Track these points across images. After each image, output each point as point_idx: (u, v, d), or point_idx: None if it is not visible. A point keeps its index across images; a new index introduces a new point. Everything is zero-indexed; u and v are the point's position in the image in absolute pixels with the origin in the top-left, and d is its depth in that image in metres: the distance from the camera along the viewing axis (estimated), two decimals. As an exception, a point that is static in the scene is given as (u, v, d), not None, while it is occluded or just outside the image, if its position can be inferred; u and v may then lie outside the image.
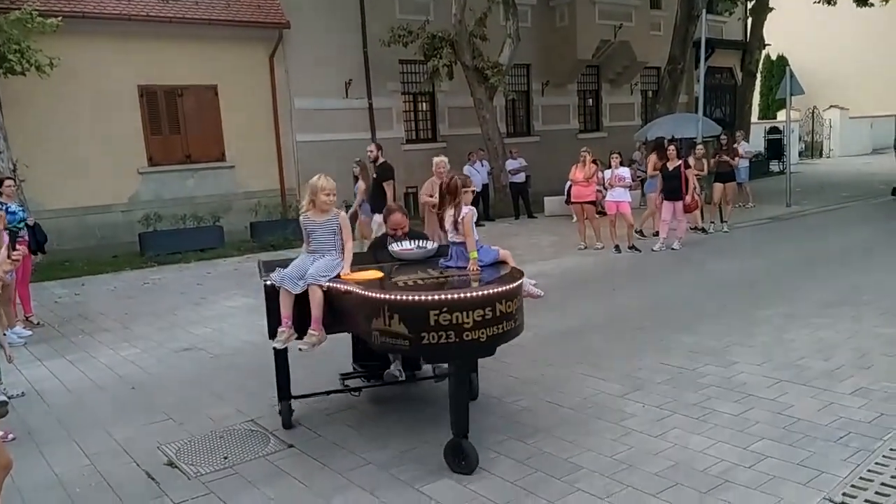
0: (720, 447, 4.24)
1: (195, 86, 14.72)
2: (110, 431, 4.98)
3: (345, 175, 10.55)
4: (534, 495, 3.78)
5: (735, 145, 15.06)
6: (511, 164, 16.48)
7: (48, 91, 12.38)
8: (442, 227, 4.55)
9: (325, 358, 5.12)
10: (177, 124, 14.66)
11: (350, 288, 4.24)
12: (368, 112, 16.84)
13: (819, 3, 21.64)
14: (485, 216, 15.20)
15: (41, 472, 4.37)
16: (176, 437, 4.82)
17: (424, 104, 18.41)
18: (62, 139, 13.01)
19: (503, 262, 4.49)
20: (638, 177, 14.28)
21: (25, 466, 4.31)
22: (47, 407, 5.59)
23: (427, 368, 5.42)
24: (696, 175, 11.85)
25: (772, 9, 21.27)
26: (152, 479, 4.24)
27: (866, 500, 3.55)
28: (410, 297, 3.90)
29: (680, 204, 11.35)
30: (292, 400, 4.89)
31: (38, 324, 8.26)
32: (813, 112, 32.62)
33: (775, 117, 31.28)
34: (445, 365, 5.11)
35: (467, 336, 3.84)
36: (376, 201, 10.65)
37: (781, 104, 24.86)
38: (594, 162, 11.74)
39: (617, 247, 11.43)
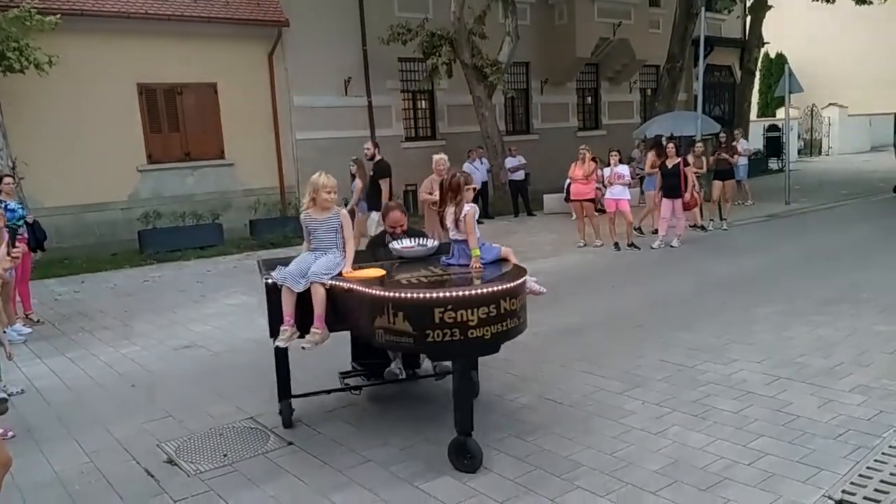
0: (720, 444, 4.24)
1: (194, 83, 14.70)
2: (110, 429, 4.98)
3: (344, 173, 10.55)
4: (533, 493, 3.79)
5: (734, 143, 15.07)
6: (510, 162, 16.48)
7: (47, 89, 12.36)
8: (443, 225, 4.54)
9: (324, 356, 5.11)
10: (176, 122, 14.64)
11: (353, 286, 4.22)
12: (368, 110, 16.83)
13: (818, 1, 21.62)
14: (484, 214, 15.19)
15: (41, 470, 4.37)
16: (176, 435, 4.82)
17: (423, 102, 18.39)
18: (61, 137, 12.99)
19: (505, 260, 4.48)
20: (637, 175, 14.27)
21: (25, 464, 4.31)
22: (47, 404, 5.59)
23: (427, 366, 5.42)
24: (695, 173, 11.85)
25: (770, 7, 21.24)
26: (152, 476, 4.24)
27: (866, 498, 3.55)
28: (415, 295, 3.88)
29: (679, 202, 11.36)
30: (292, 399, 4.88)
31: (37, 321, 8.26)
32: (812, 110, 32.63)
33: (774, 115, 31.29)
34: (446, 363, 5.13)
35: (472, 334, 3.83)
36: (373, 199, 10.67)
37: (780, 102, 24.94)
38: (593, 160, 11.74)
39: (616, 244, 11.44)
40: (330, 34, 15.91)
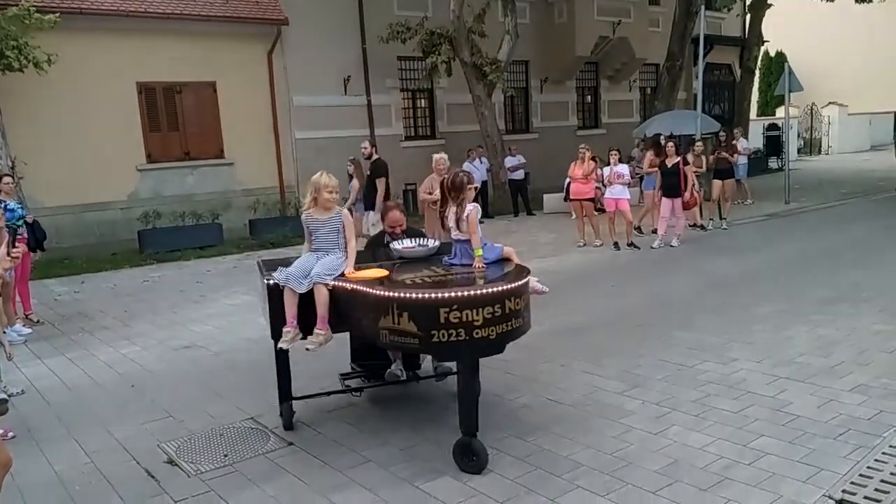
0: (720, 444, 4.25)
1: (194, 82, 14.69)
2: (110, 429, 4.98)
3: (343, 172, 10.56)
4: (534, 493, 3.79)
5: (734, 142, 15.06)
6: (510, 161, 16.48)
7: (46, 88, 12.35)
8: (443, 224, 4.53)
9: (323, 357, 5.11)
10: (175, 121, 14.63)
11: (356, 286, 4.20)
12: (367, 109, 16.83)
13: (818, -1, 21.65)
14: (484, 213, 15.16)
15: (41, 471, 4.37)
16: (176, 435, 4.82)
17: (423, 101, 18.39)
18: (60, 136, 12.98)
19: (507, 260, 4.48)
20: (637, 174, 14.28)
21: (25, 464, 4.32)
22: (47, 405, 5.59)
23: (427, 367, 5.42)
24: (694, 172, 11.85)
25: (770, 5, 21.22)
26: (152, 476, 4.24)
27: (866, 497, 3.55)
28: (420, 295, 3.87)
29: (679, 201, 11.36)
30: (293, 401, 4.86)
31: (37, 322, 8.26)
32: (812, 109, 32.62)
33: (774, 114, 31.29)
34: (447, 364, 5.13)
35: (477, 333, 3.82)
36: (370, 199, 10.66)
37: (780, 101, 24.95)
38: (593, 159, 11.73)
39: (616, 244, 11.44)
40: (329, 33, 15.91)
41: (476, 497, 3.78)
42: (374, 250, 5.28)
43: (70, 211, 13.22)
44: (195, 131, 14.85)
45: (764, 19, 21.42)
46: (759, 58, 26.14)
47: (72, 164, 13.10)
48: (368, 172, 10.78)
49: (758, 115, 32.34)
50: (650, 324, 7.01)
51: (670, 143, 11.79)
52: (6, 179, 8.25)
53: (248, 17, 14.92)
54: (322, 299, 4.33)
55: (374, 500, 3.83)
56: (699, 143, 13.65)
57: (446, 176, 4.62)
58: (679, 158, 11.46)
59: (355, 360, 5.49)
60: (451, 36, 15.74)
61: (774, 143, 25.93)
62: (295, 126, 15.80)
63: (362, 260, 4.86)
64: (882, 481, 3.70)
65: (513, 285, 3.98)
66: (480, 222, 4.43)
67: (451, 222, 4.41)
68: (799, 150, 30.92)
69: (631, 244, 11.47)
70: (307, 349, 4.39)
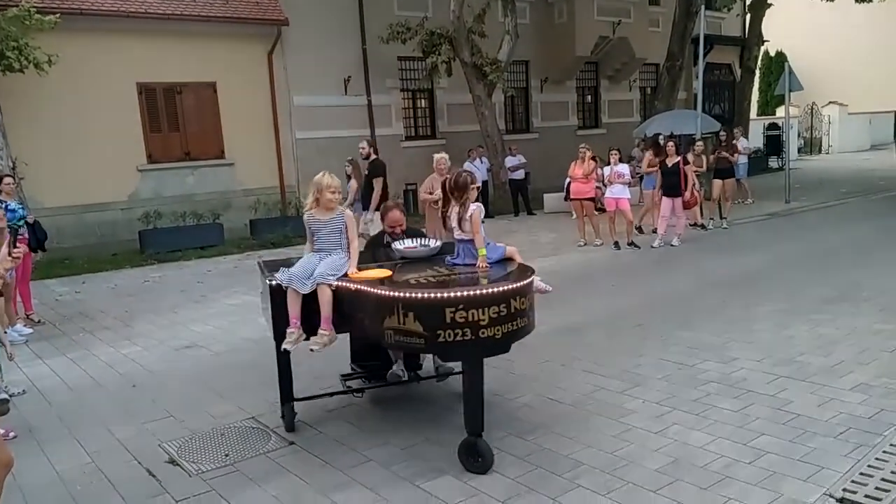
0: (720, 443, 4.25)
1: (194, 83, 14.70)
2: (111, 429, 4.98)
3: (342, 173, 10.55)
4: (534, 492, 3.79)
5: (734, 142, 15.06)
6: (510, 161, 16.48)
7: (47, 88, 12.35)
8: (445, 224, 4.53)
9: (323, 358, 5.10)
10: (176, 122, 14.64)
11: (360, 286, 4.18)
12: (367, 109, 16.83)
13: (818, -2, 21.66)
14: (484, 213, 15.19)
15: (42, 470, 4.38)
16: (177, 435, 4.82)
17: (423, 101, 18.39)
18: (61, 137, 12.98)
19: (510, 259, 4.47)
20: (637, 173, 14.28)
21: (26, 464, 4.32)
22: (48, 405, 5.60)
23: (429, 368, 5.42)
24: (695, 171, 11.86)
25: (770, 5, 21.23)
26: (153, 476, 4.24)
27: (867, 496, 3.56)
28: (426, 295, 3.86)
29: (679, 200, 11.37)
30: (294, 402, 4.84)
31: (38, 322, 8.26)
32: (812, 108, 32.63)
33: (774, 113, 31.29)
34: (448, 364, 5.12)
35: (483, 333, 3.81)
36: (367, 198, 10.67)
37: (780, 100, 24.96)
38: (593, 159, 11.74)
39: (616, 243, 11.44)
40: (329, 33, 15.91)
41: (477, 496, 3.78)
42: (374, 250, 5.27)
43: (71, 211, 13.23)
44: (196, 131, 14.85)
45: (764, 19, 21.43)
46: (759, 57, 26.14)
47: (72, 165, 13.11)
48: (366, 172, 10.79)
49: (758, 115, 32.34)
50: (650, 323, 7.01)
51: (670, 143, 11.79)
52: (7, 180, 8.25)
53: (248, 18, 14.92)
54: (326, 300, 4.31)
55: (376, 499, 3.83)
56: (699, 143, 13.65)
57: (448, 176, 4.61)
58: (679, 158, 11.46)
59: (355, 360, 5.49)
60: (451, 36, 15.74)
61: (775, 143, 25.93)
62: (295, 126, 15.80)
63: (362, 260, 4.85)
64: (883, 479, 3.70)
65: (518, 284, 3.97)
66: (482, 222, 4.43)
67: (453, 222, 4.40)
68: (799, 150, 30.92)
69: (631, 244, 11.47)
70: (311, 350, 4.37)
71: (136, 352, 7.00)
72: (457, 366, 5.03)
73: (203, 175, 14.95)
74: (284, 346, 4.40)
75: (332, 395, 5.08)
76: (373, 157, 10.77)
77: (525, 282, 4.05)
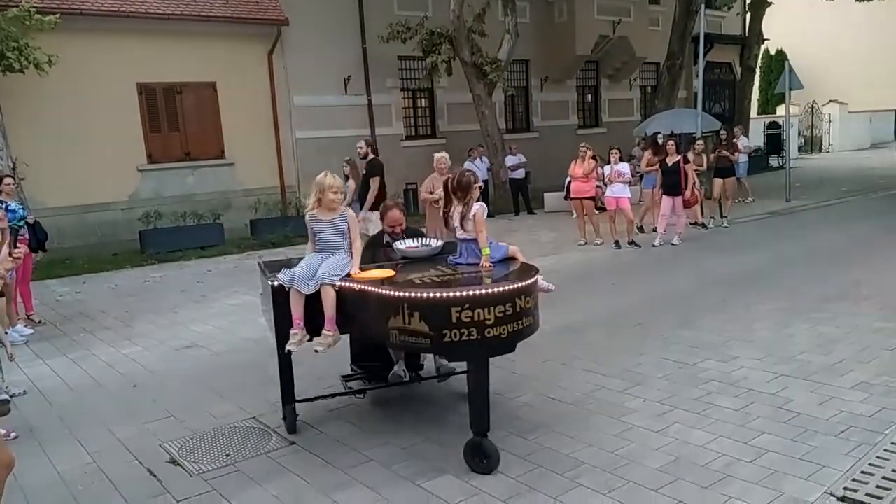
0: (721, 442, 4.25)
1: (194, 83, 14.70)
2: (112, 429, 4.99)
3: (339, 173, 10.53)
4: (535, 491, 3.79)
5: (734, 140, 15.06)
6: (510, 160, 16.48)
7: (47, 89, 12.36)
8: (447, 224, 4.51)
9: (323, 359, 5.09)
10: (176, 122, 14.64)
11: (365, 287, 4.16)
12: (367, 108, 16.83)
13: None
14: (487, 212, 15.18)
15: (43, 471, 4.38)
16: (178, 435, 4.83)
17: (423, 100, 18.39)
18: (61, 137, 12.98)
19: (512, 259, 4.47)
20: (637, 172, 14.28)
21: (28, 465, 4.33)
22: (49, 405, 5.60)
23: (430, 368, 5.41)
24: (695, 170, 11.85)
25: (770, 3, 21.23)
26: (154, 476, 4.24)
27: (868, 494, 3.56)
28: (432, 295, 3.84)
29: (679, 199, 11.37)
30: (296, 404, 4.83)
31: (39, 322, 8.26)
32: (812, 107, 32.61)
33: (774, 112, 31.27)
34: (450, 364, 5.11)
35: (489, 333, 3.79)
36: (364, 198, 10.68)
37: (780, 99, 24.96)
38: (593, 158, 11.73)
39: (617, 242, 11.44)
40: (329, 33, 15.91)
41: (478, 496, 3.78)
42: (374, 250, 5.25)
43: (71, 211, 13.23)
44: (196, 131, 14.85)
45: (764, 18, 21.42)
46: (760, 56, 26.13)
47: (73, 165, 13.11)
48: (364, 172, 10.80)
49: (758, 114, 32.32)
50: (651, 322, 7.01)
51: (671, 142, 11.79)
52: (7, 180, 8.25)
53: (249, 18, 14.92)
54: (329, 300, 4.30)
55: (376, 498, 3.83)
56: (700, 142, 13.65)
57: (451, 175, 4.59)
58: (679, 157, 11.46)
59: (355, 361, 5.48)
60: (451, 35, 15.73)
61: (775, 142, 25.91)
62: (295, 126, 15.80)
63: (361, 260, 4.84)
64: (884, 478, 3.70)
65: (523, 283, 3.96)
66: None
67: (456, 221, 4.39)
68: (800, 148, 30.91)
69: (632, 242, 11.47)
70: (316, 351, 4.36)
71: (136, 352, 7.00)
72: (458, 366, 5.02)
73: (203, 175, 14.95)
74: (288, 347, 4.38)
75: (333, 396, 5.08)
76: (371, 156, 10.77)
77: (530, 281, 4.04)
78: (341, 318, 4.36)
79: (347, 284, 4.30)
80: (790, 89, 15.76)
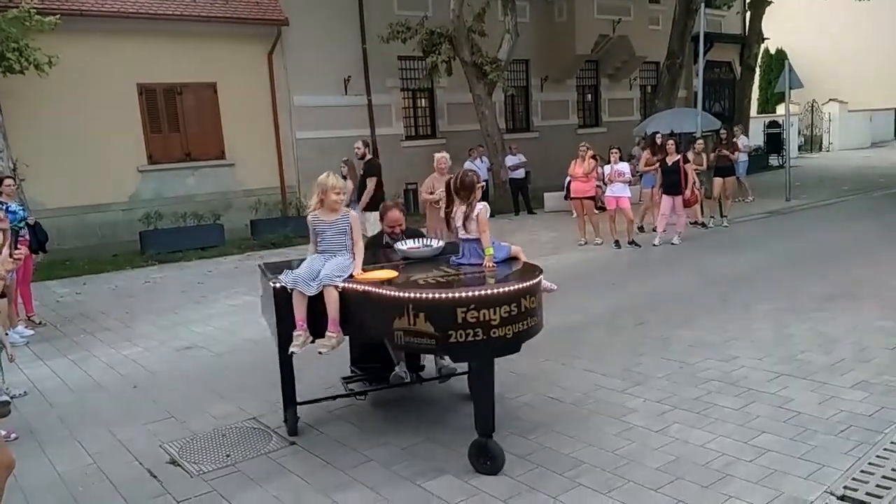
0: (721, 441, 4.25)
1: (194, 83, 14.70)
2: (112, 430, 4.99)
3: (338, 174, 10.53)
4: (535, 490, 3.79)
5: (734, 139, 15.05)
6: (510, 160, 16.47)
7: (47, 90, 12.36)
8: (449, 224, 4.50)
9: (323, 360, 5.09)
10: (176, 122, 14.64)
11: (368, 288, 4.14)
12: (367, 109, 16.83)
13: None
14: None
15: (43, 472, 4.39)
16: (178, 436, 4.83)
17: (423, 100, 18.39)
18: (61, 138, 12.98)
19: (515, 258, 4.46)
20: (637, 172, 14.28)
21: (28, 466, 4.33)
22: (49, 406, 5.61)
23: (431, 369, 5.40)
24: (695, 170, 11.85)
25: (770, 2, 21.22)
26: (154, 477, 4.25)
27: (868, 493, 3.56)
28: (437, 295, 3.82)
29: (679, 199, 11.37)
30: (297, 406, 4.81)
31: (39, 323, 8.26)
32: (812, 106, 32.59)
33: (774, 111, 31.26)
34: (451, 365, 5.10)
35: (494, 333, 3.79)
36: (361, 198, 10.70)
37: (780, 98, 24.95)
38: (593, 157, 11.73)
39: (616, 242, 11.44)
40: (329, 33, 15.91)
41: (478, 495, 3.78)
42: (374, 251, 5.24)
43: (71, 212, 13.23)
44: (196, 132, 14.85)
45: (764, 16, 21.41)
46: (760, 55, 26.12)
47: (73, 166, 13.11)
48: (361, 172, 10.81)
49: (758, 113, 32.30)
50: (651, 322, 7.01)
51: (670, 141, 11.79)
52: (8, 182, 8.26)
53: (248, 18, 14.92)
54: (332, 301, 4.28)
55: (376, 498, 3.83)
56: (700, 141, 13.65)
57: (453, 176, 4.58)
58: (679, 156, 11.46)
59: (355, 363, 5.47)
60: (451, 35, 15.73)
61: (775, 141, 25.90)
62: (296, 126, 15.80)
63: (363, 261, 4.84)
64: (884, 477, 3.70)
65: (529, 283, 3.96)
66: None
67: (458, 222, 4.38)
68: (800, 148, 30.89)
69: (632, 242, 11.47)
70: (320, 352, 4.36)
71: (137, 353, 7.00)
72: (459, 366, 5.02)
73: (203, 175, 14.95)
74: (292, 349, 4.36)
75: (334, 398, 5.07)
76: (368, 156, 10.77)
77: (535, 281, 4.03)
78: (343, 320, 4.33)
79: (350, 285, 4.28)
80: (790, 88, 15.75)
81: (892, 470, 3.77)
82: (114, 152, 13.62)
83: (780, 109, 26.83)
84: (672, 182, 11.38)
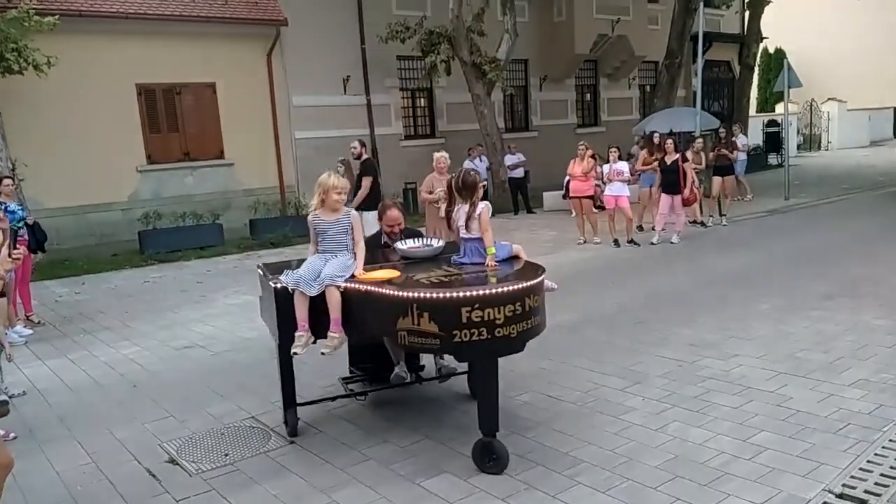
0: (720, 440, 4.25)
1: (193, 83, 14.72)
2: (111, 430, 4.99)
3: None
4: (534, 489, 3.79)
5: (733, 139, 15.06)
6: (509, 160, 16.47)
7: (46, 90, 12.36)
8: (450, 224, 4.50)
9: (322, 360, 5.09)
10: (175, 122, 14.66)
11: (370, 288, 4.12)
12: (367, 108, 16.84)
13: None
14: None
15: (43, 471, 4.39)
16: (177, 435, 4.83)
17: (423, 100, 18.40)
18: (61, 138, 12.99)
19: (516, 258, 4.46)
20: (636, 171, 14.28)
21: (27, 465, 4.33)
22: (48, 406, 5.60)
23: (430, 369, 5.40)
24: (694, 169, 11.86)
25: (769, 2, 21.23)
26: (154, 476, 4.25)
27: (866, 491, 3.56)
28: (442, 295, 3.81)
29: (678, 198, 11.37)
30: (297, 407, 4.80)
31: (38, 323, 8.27)
32: (811, 105, 32.60)
33: (773, 110, 31.25)
34: (451, 364, 5.10)
35: (498, 332, 3.77)
36: (362, 199, 10.71)
37: (779, 97, 24.94)
38: (592, 157, 11.74)
39: (616, 241, 11.44)
40: (328, 33, 15.92)
41: (476, 494, 3.78)
42: (372, 251, 5.22)
43: (70, 212, 13.24)
44: (195, 132, 14.87)
45: (762, 16, 21.42)
46: (758, 54, 26.14)
47: (72, 166, 13.12)
48: (358, 172, 10.81)
49: (757, 112, 32.30)
50: (650, 320, 7.01)
51: (669, 140, 11.80)
52: (6, 181, 8.27)
53: (247, 18, 14.93)
54: (334, 302, 4.26)
55: (375, 497, 3.83)
56: (699, 140, 13.65)
57: (454, 175, 4.57)
58: (678, 155, 11.47)
59: (353, 363, 5.46)
60: (450, 35, 15.72)
61: (774, 140, 25.91)
62: (295, 126, 15.81)
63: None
64: (882, 475, 3.70)
65: (532, 283, 3.95)
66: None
67: (460, 221, 4.38)
68: (798, 147, 30.90)
69: (631, 241, 11.48)
70: (322, 353, 4.35)
71: (136, 352, 7.00)
72: (459, 366, 5.02)
73: (202, 175, 14.96)
74: (294, 349, 4.33)
75: (334, 398, 5.07)
76: (364, 156, 10.77)
77: (538, 280, 4.03)
78: (345, 320, 4.32)
79: (352, 286, 4.26)
80: (789, 87, 15.76)
81: (891, 468, 3.78)
82: (113, 152, 13.63)
83: (779, 108, 26.81)
84: (671, 181, 11.38)
